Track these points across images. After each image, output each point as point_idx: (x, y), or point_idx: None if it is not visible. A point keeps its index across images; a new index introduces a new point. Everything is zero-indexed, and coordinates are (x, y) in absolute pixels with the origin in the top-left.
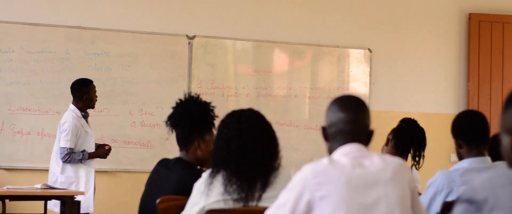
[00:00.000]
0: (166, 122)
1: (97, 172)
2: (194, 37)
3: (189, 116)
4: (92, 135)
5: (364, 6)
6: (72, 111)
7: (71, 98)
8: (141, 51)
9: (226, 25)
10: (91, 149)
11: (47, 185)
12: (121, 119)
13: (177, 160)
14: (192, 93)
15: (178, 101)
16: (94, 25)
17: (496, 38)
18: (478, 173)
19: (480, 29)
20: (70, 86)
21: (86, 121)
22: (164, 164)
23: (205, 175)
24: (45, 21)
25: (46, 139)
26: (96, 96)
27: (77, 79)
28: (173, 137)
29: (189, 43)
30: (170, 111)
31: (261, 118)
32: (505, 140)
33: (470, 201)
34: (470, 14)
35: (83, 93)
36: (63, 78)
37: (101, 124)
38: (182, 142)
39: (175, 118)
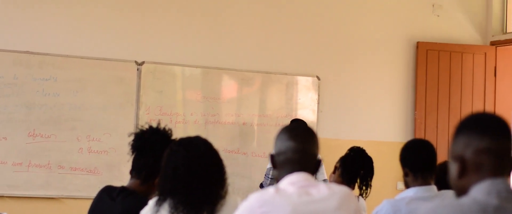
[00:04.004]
0: (138, 145)
1: (42, 198)
2: (142, 63)
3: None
4: None
5: (313, 34)
6: None
7: (19, 123)
8: (90, 77)
9: (174, 52)
10: None
11: None
12: (68, 145)
13: (122, 189)
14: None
15: (151, 127)
16: (43, 50)
17: (443, 67)
18: (424, 202)
19: (427, 58)
20: None
21: None
22: (108, 193)
23: (152, 203)
24: None
25: None
26: None
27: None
28: (120, 163)
29: (137, 69)
30: (118, 137)
31: (208, 145)
32: (452, 167)
33: None
34: (417, 42)
35: None
36: (10, 103)
37: (49, 150)
38: (147, 172)
39: (156, 145)
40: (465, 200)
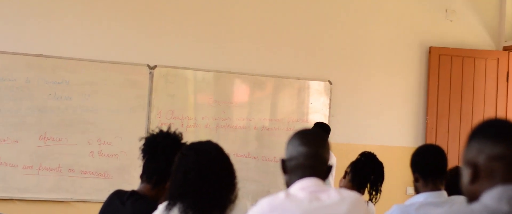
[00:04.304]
0: (148, 149)
1: (52, 201)
2: (155, 67)
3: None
4: None
5: (325, 39)
6: None
7: (31, 126)
8: (102, 81)
9: (187, 56)
10: None
11: None
12: (79, 148)
13: (132, 193)
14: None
15: (162, 131)
16: (55, 54)
17: (455, 72)
18: (434, 207)
19: (440, 63)
20: None
21: None
22: (118, 196)
23: (161, 207)
24: (5, 49)
25: (2, 168)
26: None
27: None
28: (130, 167)
29: (150, 73)
30: (129, 140)
31: (219, 150)
32: (465, 173)
33: None
34: (430, 47)
35: None
36: (23, 106)
37: (59, 153)
38: (158, 176)
39: (167, 149)
40: (476, 206)
